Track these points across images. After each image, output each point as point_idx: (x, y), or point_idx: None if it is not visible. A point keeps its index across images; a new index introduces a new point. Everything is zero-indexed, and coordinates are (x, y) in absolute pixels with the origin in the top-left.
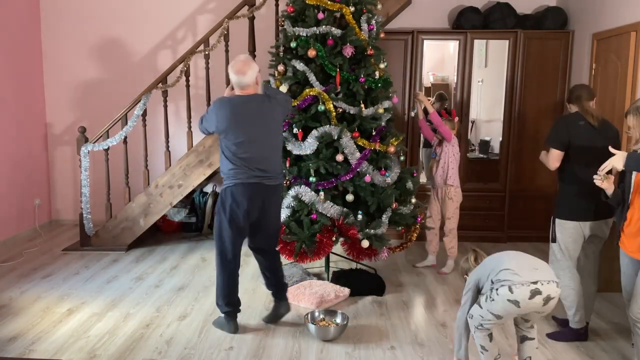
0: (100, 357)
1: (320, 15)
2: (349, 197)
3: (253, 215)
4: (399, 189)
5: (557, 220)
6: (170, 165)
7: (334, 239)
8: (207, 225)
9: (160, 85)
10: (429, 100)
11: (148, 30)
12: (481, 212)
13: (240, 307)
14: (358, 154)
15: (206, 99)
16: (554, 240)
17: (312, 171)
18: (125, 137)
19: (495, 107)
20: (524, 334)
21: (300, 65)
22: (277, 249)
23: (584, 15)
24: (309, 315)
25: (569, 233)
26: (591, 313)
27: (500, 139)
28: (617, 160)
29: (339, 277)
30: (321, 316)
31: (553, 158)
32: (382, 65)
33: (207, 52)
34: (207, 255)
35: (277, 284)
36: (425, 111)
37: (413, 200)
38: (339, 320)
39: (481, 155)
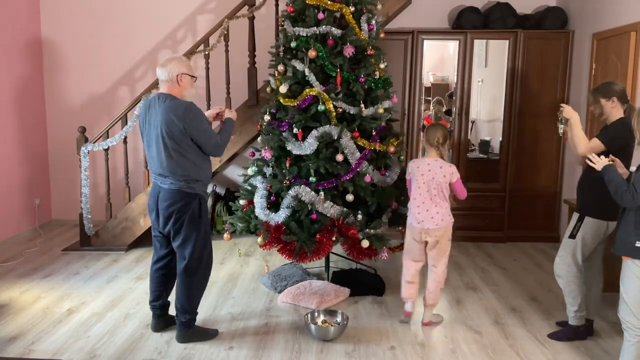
0: (100, 357)
1: (320, 15)
2: (349, 197)
3: (153, 215)
4: (399, 189)
5: (587, 218)
6: None
7: (334, 239)
8: None
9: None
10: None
11: (148, 30)
12: (481, 212)
13: (157, 307)
14: (358, 154)
15: (206, 99)
16: (573, 237)
17: (312, 171)
18: (125, 137)
19: (495, 107)
20: None
21: (300, 66)
22: (193, 262)
23: (584, 15)
24: (309, 315)
25: (594, 232)
26: (598, 310)
27: (500, 138)
28: (600, 165)
29: (339, 277)
30: (321, 316)
31: (593, 149)
32: (382, 65)
33: (207, 52)
34: None
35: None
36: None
37: None
38: (339, 320)
39: (481, 155)
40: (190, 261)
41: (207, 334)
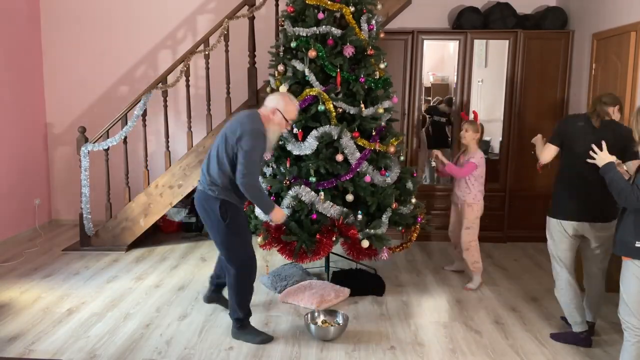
0: (100, 357)
1: (320, 15)
2: (349, 197)
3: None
4: (399, 189)
5: (547, 218)
6: (170, 165)
7: (334, 239)
8: None
9: (160, 85)
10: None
11: (148, 30)
12: None
13: (212, 282)
14: (358, 154)
15: (206, 99)
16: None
17: (312, 171)
18: (125, 137)
19: (495, 107)
20: None
21: (300, 66)
22: (228, 264)
23: (584, 15)
24: (309, 315)
25: (553, 231)
26: (597, 314)
27: (500, 138)
28: (600, 161)
29: (339, 277)
30: (321, 316)
31: (547, 151)
32: (382, 65)
33: (207, 52)
34: (207, 255)
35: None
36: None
37: (413, 200)
38: (339, 320)
39: None
40: (226, 261)
41: (256, 337)
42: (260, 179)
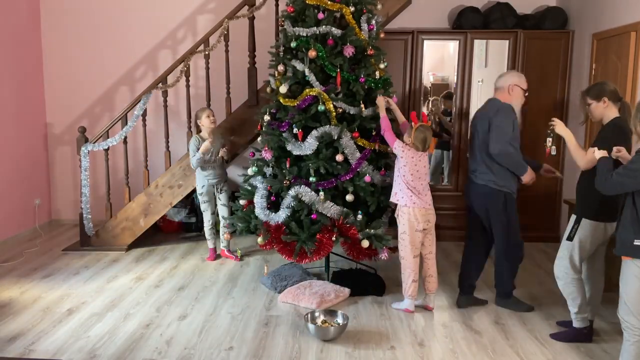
0: (100, 357)
1: (320, 15)
2: (349, 197)
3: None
4: None
5: (584, 220)
6: (170, 165)
7: (334, 239)
8: None
9: (160, 85)
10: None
11: (148, 30)
12: None
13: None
14: (358, 154)
15: (206, 99)
16: (570, 239)
17: (312, 171)
18: (125, 137)
19: None
20: None
21: (300, 66)
22: (503, 248)
23: (584, 15)
24: (309, 315)
25: (591, 233)
26: (597, 311)
27: None
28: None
29: (339, 277)
30: (321, 316)
31: (593, 161)
32: (382, 66)
33: (207, 52)
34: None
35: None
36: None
37: None
38: (339, 320)
39: None
40: (502, 246)
41: (521, 305)
42: (260, 178)
